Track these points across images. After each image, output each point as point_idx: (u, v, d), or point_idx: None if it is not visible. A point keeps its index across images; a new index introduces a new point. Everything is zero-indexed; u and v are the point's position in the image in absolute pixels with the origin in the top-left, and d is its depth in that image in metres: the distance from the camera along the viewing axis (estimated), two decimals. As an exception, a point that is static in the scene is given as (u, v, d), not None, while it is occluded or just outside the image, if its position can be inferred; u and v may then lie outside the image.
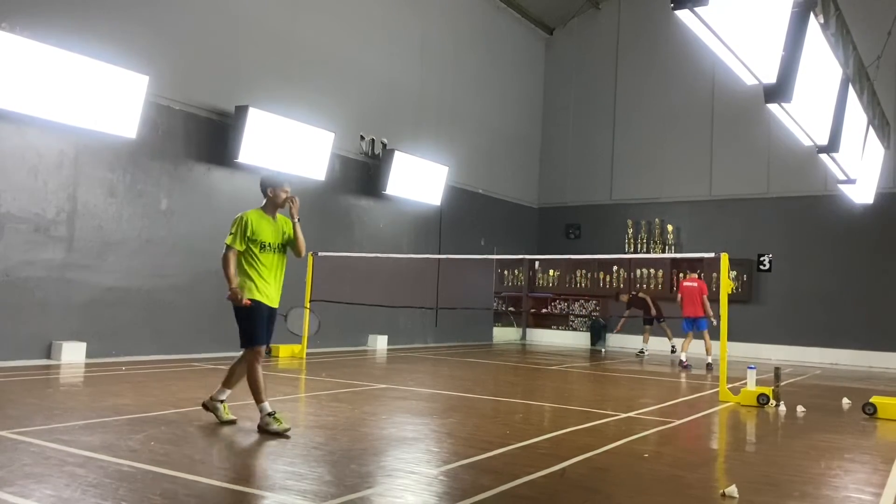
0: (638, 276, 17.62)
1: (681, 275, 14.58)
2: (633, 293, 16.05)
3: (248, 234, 5.59)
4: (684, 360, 12.96)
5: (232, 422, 5.66)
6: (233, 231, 5.59)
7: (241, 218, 5.66)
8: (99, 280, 9.79)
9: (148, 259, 10.37)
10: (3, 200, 8.83)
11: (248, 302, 5.49)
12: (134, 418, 5.74)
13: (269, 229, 5.71)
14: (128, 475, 4.06)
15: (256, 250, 5.61)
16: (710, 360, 12.58)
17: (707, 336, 12.87)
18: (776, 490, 4.38)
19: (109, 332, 9.86)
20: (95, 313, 9.73)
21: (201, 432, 5.30)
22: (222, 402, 5.75)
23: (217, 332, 11.23)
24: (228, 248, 5.56)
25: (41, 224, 9.20)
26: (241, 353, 5.76)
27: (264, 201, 5.85)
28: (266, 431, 5.36)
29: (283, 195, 5.83)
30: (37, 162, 9.15)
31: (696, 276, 13.49)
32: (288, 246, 5.86)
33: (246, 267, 5.61)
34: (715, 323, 10.38)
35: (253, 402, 5.57)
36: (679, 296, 13.34)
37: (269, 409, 5.46)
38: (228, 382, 5.81)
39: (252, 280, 5.59)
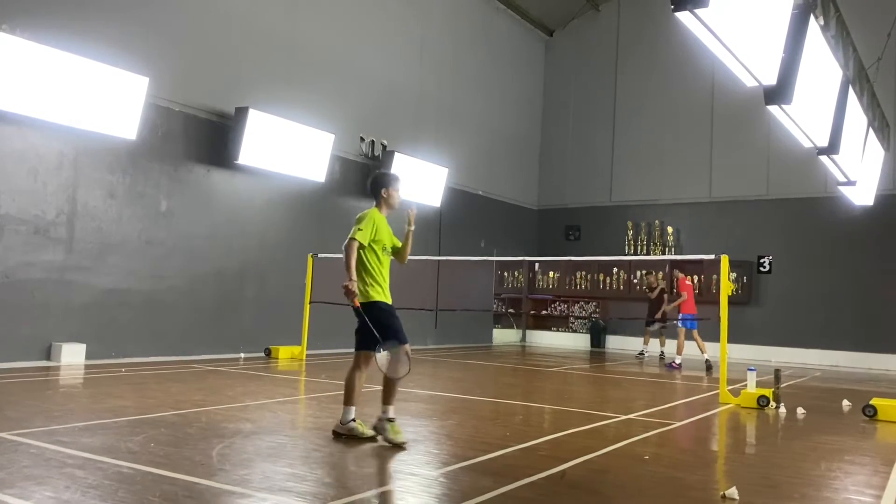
0: (638, 277, 17.61)
1: (677, 273, 14.49)
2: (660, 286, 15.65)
3: (376, 234, 5.34)
4: (678, 361, 13.16)
5: (401, 445, 5.18)
6: (364, 227, 5.28)
7: (373, 215, 5.38)
8: (98, 281, 9.78)
9: (147, 261, 10.37)
10: (2, 202, 8.83)
11: (358, 304, 5.22)
12: (133, 420, 5.74)
13: (387, 232, 5.47)
14: (127, 477, 4.05)
15: (379, 251, 5.39)
16: (708, 357, 12.66)
17: (699, 335, 12.99)
18: (776, 492, 4.38)
19: (109, 334, 9.86)
20: (95, 315, 9.73)
21: (201, 434, 5.29)
22: (391, 420, 5.29)
23: (216, 333, 11.24)
24: (353, 240, 5.25)
25: (41, 225, 9.20)
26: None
27: (374, 203, 5.56)
28: (342, 434, 5.30)
29: (398, 196, 5.57)
30: (36, 163, 9.15)
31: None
32: (393, 252, 5.58)
33: (370, 268, 5.37)
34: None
35: (252, 403, 5.54)
36: (684, 293, 13.37)
37: (354, 415, 5.32)
38: (388, 398, 5.35)
39: (377, 283, 5.36)
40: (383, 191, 5.53)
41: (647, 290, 15.57)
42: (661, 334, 15.19)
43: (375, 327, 5.24)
